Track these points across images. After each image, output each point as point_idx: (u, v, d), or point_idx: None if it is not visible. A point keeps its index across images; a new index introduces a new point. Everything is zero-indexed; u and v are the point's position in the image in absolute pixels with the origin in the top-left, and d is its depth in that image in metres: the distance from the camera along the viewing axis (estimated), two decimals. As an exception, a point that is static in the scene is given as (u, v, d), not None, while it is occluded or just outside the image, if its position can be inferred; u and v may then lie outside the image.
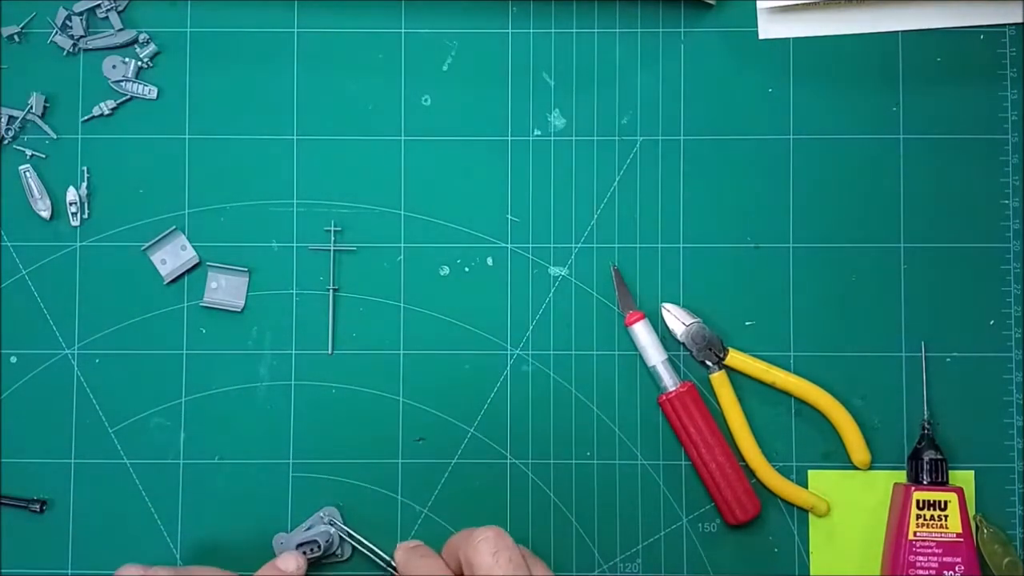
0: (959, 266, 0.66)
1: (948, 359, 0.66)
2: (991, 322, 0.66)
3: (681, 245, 0.66)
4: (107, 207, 0.67)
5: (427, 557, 0.58)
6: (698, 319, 0.65)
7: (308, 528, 0.64)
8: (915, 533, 0.62)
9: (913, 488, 0.63)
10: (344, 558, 0.65)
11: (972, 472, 0.65)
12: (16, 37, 0.66)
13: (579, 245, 0.66)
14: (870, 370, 0.66)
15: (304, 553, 0.61)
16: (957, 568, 0.62)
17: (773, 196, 0.66)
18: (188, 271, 0.66)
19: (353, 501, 0.65)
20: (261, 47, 0.67)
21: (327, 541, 0.63)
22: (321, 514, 0.65)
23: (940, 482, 0.63)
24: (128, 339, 0.66)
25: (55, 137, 0.66)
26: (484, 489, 0.65)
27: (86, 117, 0.67)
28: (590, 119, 0.67)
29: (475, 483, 0.65)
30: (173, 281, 0.66)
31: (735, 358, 0.65)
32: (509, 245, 0.66)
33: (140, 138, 0.67)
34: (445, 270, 0.66)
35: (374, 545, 0.64)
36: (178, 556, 0.65)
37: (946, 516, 0.62)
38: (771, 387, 0.65)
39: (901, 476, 0.65)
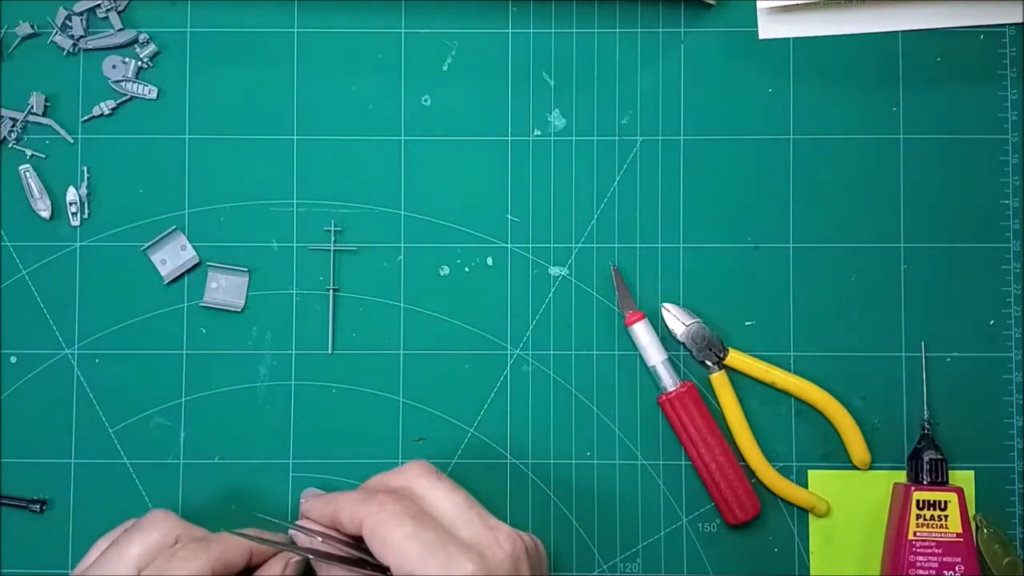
0: (959, 266, 0.66)
1: (948, 359, 0.66)
2: (991, 322, 0.66)
3: (681, 245, 0.66)
4: (107, 207, 0.67)
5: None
6: (698, 319, 0.65)
7: None
8: (915, 533, 0.62)
9: (913, 488, 0.63)
10: None
11: (972, 472, 0.65)
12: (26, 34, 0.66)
13: (579, 245, 0.66)
14: (870, 370, 0.66)
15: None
16: (957, 568, 0.62)
17: (773, 196, 0.66)
18: (188, 271, 0.66)
19: (353, 501, 0.65)
20: (261, 47, 0.67)
21: None
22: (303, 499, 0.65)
23: (940, 482, 0.63)
24: (128, 339, 0.66)
25: (70, 141, 0.66)
26: (484, 489, 0.65)
27: (86, 117, 0.67)
28: (590, 119, 0.67)
29: (475, 483, 0.65)
30: (173, 281, 0.66)
31: (735, 358, 0.65)
32: (509, 245, 0.66)
33: (140, 138, 0.67)
34: (445, 270, 0.66)
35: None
36: (178, 556, 0.65)
37: (946, 516, 0.62)
38: (771, 387, 0.65)
39: (901, 476, 0.65)
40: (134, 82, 0.67)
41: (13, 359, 0.66)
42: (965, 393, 0.65)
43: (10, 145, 0.67)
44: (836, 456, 0.65)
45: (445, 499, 0.54)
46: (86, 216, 0.67)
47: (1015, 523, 0.65)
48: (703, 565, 0.65)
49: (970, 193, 0.66)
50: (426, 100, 0.67)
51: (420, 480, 0.55)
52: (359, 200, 0.67)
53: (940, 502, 0.62)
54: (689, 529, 0.65)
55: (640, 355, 0.65)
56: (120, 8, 0.67)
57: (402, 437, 0.66)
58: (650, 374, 0.65)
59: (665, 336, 0.66)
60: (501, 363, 0.66)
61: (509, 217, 0.67)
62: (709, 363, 0.65)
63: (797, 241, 0.66)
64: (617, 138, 0.67)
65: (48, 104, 0.67)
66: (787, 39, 0.67)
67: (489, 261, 0.66)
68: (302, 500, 0.64)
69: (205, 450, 0.66)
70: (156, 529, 0.55)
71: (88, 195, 0.67)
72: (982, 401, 0.65)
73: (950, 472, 0.64)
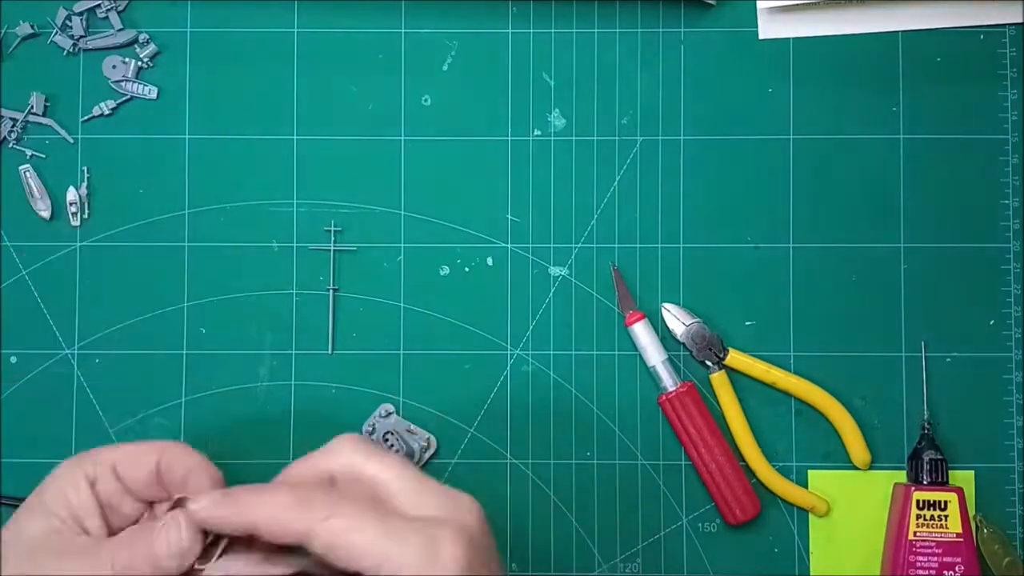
0: (959, 266, 0.66)
1: (948, 359, 0.66)
2: (991, 322, 0.66)
3: (681, 245, 0.66)
4: (107, 207, 0.67)
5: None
6: (698, 319, 0.65)
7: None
8: (915, 533, 0.62)
9: (913, 488, 0.63)
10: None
11: (972, 472, 0.65)
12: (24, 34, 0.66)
13: (579, 245, 0.66)
14: (870, 370, 0.66)
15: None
16: (957, 568, 0.62)
17: (773, 196, 0.66)
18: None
19: (353, 501, 0.65)
20: (261, 47, 0.67)
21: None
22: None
23: (940, 482, 0.63)
24: (128, 339, 0.66)
25: (70, 141, 0.66)
26: (484, 489, 0.65)
27: (86, 117, 0.67)
28: (590, 119, 0.67)
29: (475, 483, 0.65)
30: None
31: (735, 358, 0.65)
32: (509, 245, 0.66)
33: (140, 138, 0.67)
34: (445, 270, 0.66)
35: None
36: (178, 556, 0.65)
37: (946, 516, 0.62)
38: (771, 387, 0.65)
39: (901, 476, 0.65)
40: (134, 82, 0.67)
41: (13, 359, 0.66)
42: (965, 393, 0.65)
43: (10, 145, 0.67)
44: (836, 456, 0.65)
45: (397, 477, 0.47)
46: (86, 216, 0.67)
47: (1015, 523, 0.65)
48: (703, 565, 0.65)
49: (970, 193, 0.66)
50: (426, 100, 0.67)
51: (358, 458, 0.48)
52: (359, 200, 0.67)
53: (940, 502, 0.62)
54: (689, 529, 0.65)
55: (640, 355, 0.65)
56: (120, 8, 0.67)
57: (402, 437, 0.66)
58: (650, 374, 0.65)
59: (665, 336, 0.66)
60: (501, 363, 0.66)
61: (509, 217, 0.67)
62: (709, 363, 0.65)
63: (797, 241, 0.66)
64: (617, 138, 0.67)
65: (48, 104, 0.67)
66: (787, 39, 0.67)
67: (489, 261, 0.66)
68: (192, 503, 0.48)
69: (205, 450, 0.65)
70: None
71: (88, 195, 0.67)
72: (982, 401, 0.65)
73: (950, 472, 0.64)
